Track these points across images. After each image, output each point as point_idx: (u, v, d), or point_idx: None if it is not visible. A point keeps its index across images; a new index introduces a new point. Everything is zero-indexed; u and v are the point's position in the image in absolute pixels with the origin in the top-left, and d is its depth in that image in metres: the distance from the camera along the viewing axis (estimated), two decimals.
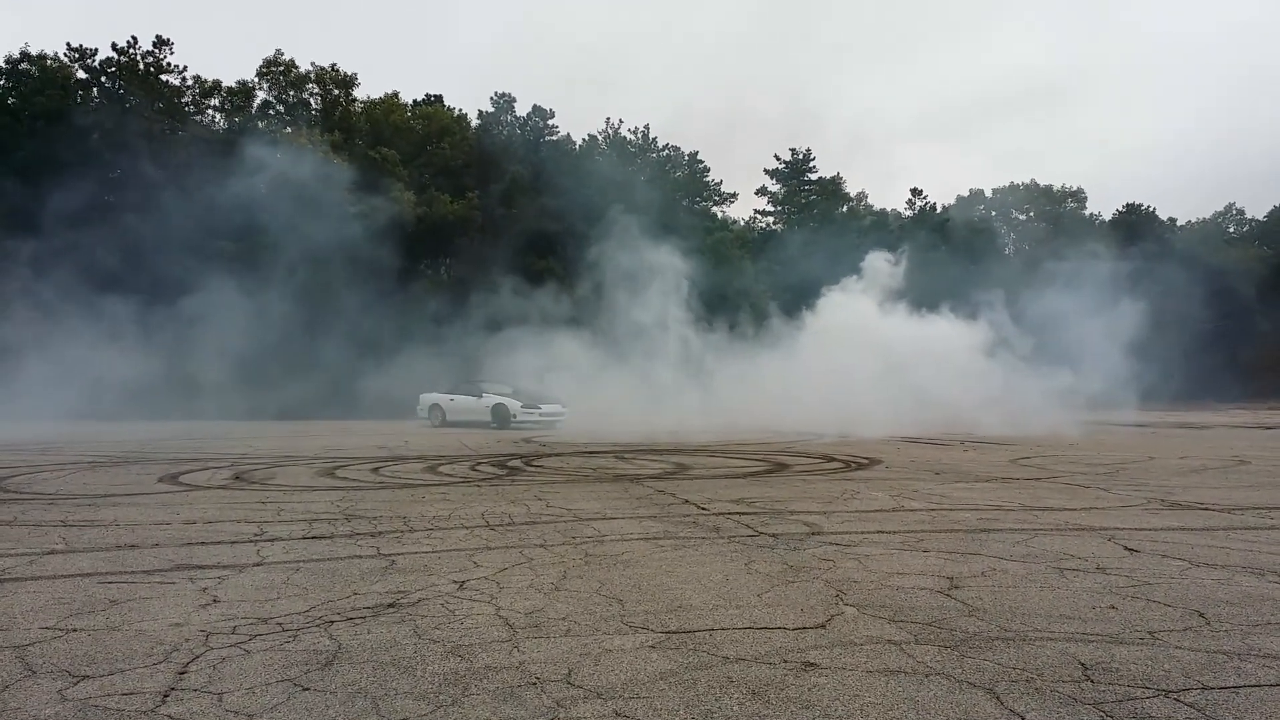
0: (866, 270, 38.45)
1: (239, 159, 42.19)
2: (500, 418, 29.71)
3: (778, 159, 72.15)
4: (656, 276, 38.20)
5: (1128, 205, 79.56)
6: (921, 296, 37.29)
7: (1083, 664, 4.59)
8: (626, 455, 18.46)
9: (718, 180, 67.53)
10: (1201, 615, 5.57)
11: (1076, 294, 40.49)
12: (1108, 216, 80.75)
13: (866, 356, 31.27)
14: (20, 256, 37.61)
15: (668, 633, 5.14)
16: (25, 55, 45.65)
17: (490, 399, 30.33)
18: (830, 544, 8.01)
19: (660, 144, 64.15)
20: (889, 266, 38.45)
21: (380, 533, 8.53)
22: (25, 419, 28.96)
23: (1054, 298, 40.54)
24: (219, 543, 7.99)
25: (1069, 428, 30.03)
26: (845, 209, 70.21)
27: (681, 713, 3.91)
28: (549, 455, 18.43)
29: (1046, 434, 26.98)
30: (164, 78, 47.41)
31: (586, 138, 60.53)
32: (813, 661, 4.62)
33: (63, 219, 38.20)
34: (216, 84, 50.25)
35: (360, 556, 7.35)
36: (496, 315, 39.76)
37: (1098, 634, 5.14)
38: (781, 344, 35.52)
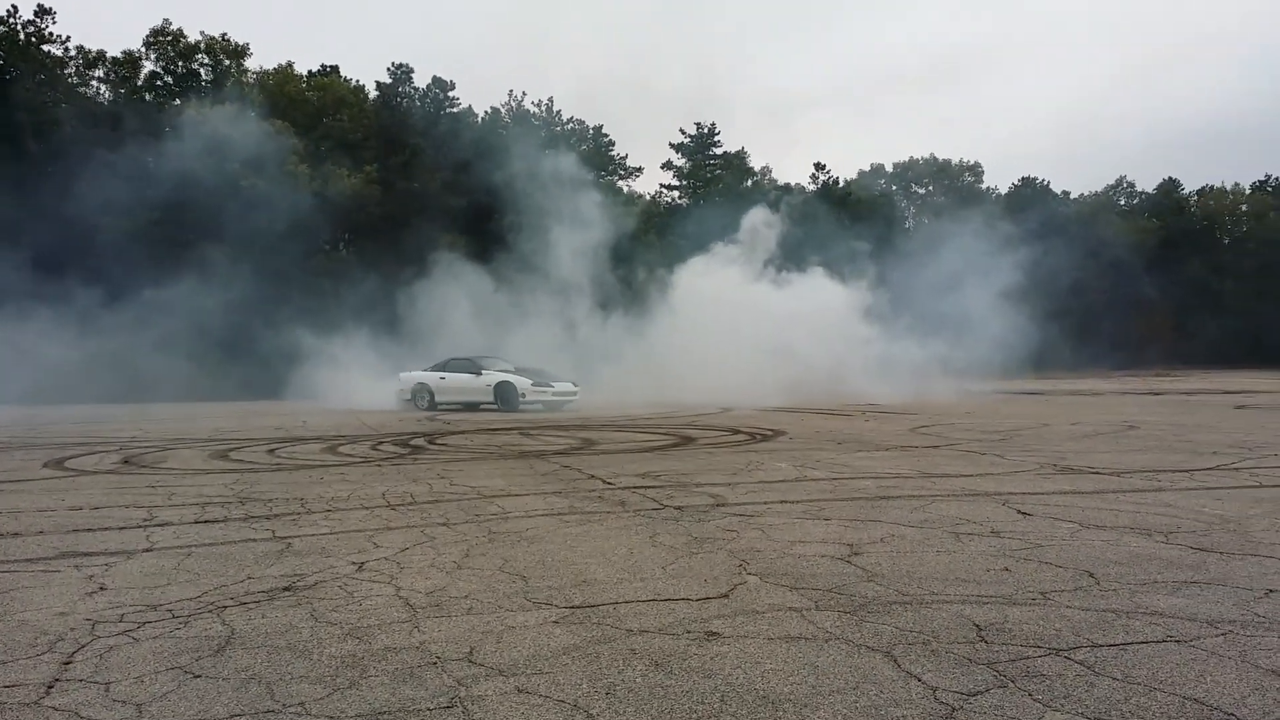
0: (745, 229, 38.79)
1: (126, 131, 40.82)
2: (505, 398, 26.30)
3: (683, 133, 72.42)
4: (562, 250, 38.11)
5: (1023, 178, 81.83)
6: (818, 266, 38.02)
7: (977, 625, 4.68)
8: (531, 431, 18.38)
9: (623, 154, 67.40)
10: (1091, 575, 5.73)
11: (968, 264, 41.58)
12: (1004, 190, 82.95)
13: (745, 324, 31.53)
14: None
15: (571, 608, 5.11)
16: None
17: (493, 376, 26.91)
18: (734, 515, 8.07)
19: (565, 117, 63.73)
20: (766, 228, 38.74)
21: (276, 515, 8.33)
22: None
23: (945, 267, 41.61)
24: (106, 529, 7.72)
25: (962, 396, 30.89)
26: (750, 183, 70.66)
27: (584, 686, 3.88)
28: (453, 433, 18.25)
29: (942, 402, 27.62)
30: (46, 48, 45.40)
31: (489, 110, 59.82)
32: (715, 631, 4.63)
33: None
34: (101, 54, 48.37)
35: (255, 540, 7.16)
36: (401, 290, 39.12)
37: (992, 596, 5.26)
38: (672, 317, 35.42)
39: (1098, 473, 10.91)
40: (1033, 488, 9.66)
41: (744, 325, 31.69)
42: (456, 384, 27.54)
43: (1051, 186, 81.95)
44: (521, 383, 26.30)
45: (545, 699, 3.75)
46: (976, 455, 12.99)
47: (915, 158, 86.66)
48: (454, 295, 37.21)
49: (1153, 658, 4.20)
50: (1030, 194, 78.00)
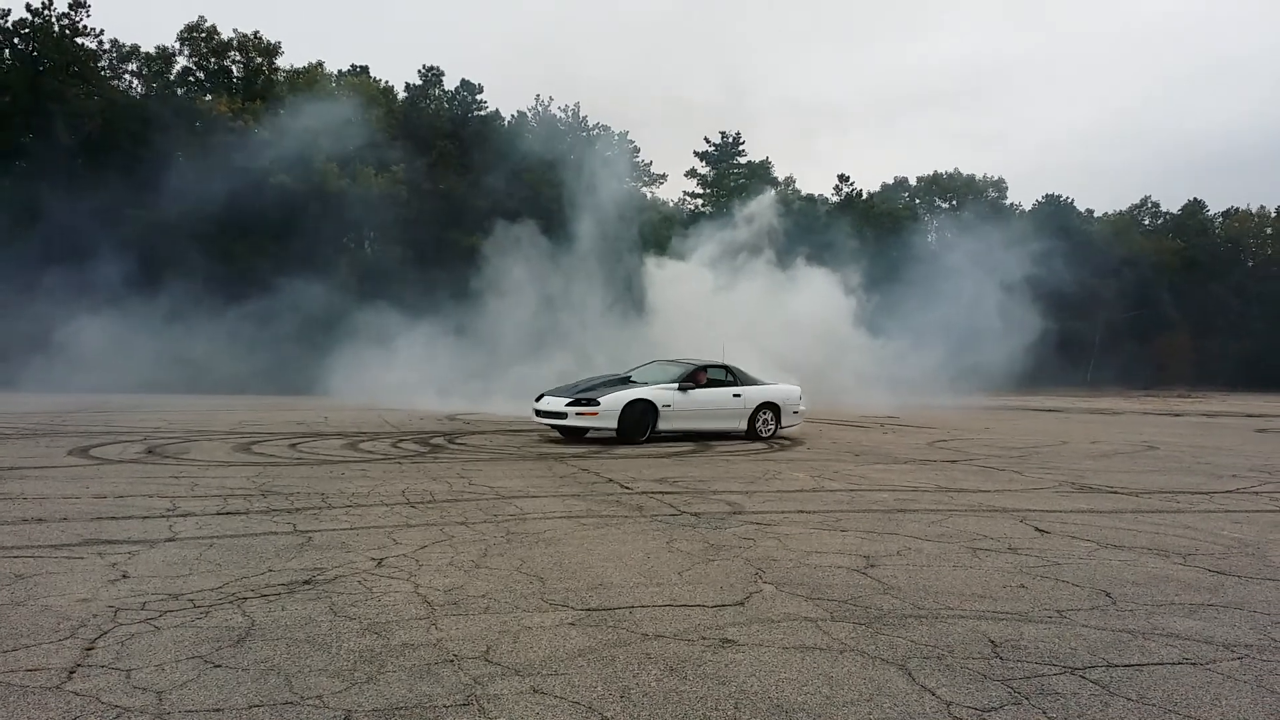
0: (742, 217, 38.36)
1: (157, 126, 41.17)
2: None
3: (708, 141, 72.36)
4: (583, 251, 38.03)
5: (1046, 195, 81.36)
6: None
7: (992, 641, 4.69)
8: (550, 434, 18.39)
9: (647, 161, 67.43)
10: (1108, 595, 5.73)
11: (983, 277, 41.36)
12: (1028, 206, 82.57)
13: (729, 322, 30.77)
14: None
15: (588, 610, 5.14)
16: None
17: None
18: (751, 523, 8.09)
19: (591, 123, 63.78)
20: (765, 214, 38.28)
21: (297, 509, 8.40)
22: None
23: (958, 279, 41.39)
24: (130, 518, 7.80)
25: (978, 410, 30.74)
26: (773, 193, 70.50)
27: (599, 689, 3.92)
28: (473, 433, 18.29)
29: (959, 417, 27.48)
30: (80, 41, 45.75)
31: (515, 114, 59.95)
32: (730, 638, 4.65)
33: None
34: (135, 49, 48.75)
35: (276, 533, 7.23)
36: (427, 287, 39.19)
37: (1008, 612, 5.26)
38: (662, 315, 34.64)
39: (1116, 492, 10.88)
40: (1051, 505, 9.63)
41: (728, 323, 30.86)
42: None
43: (1075, 204, 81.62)
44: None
45: (560, 700, 3.79)
46: (995, 471, 12.95)
47: (940, 172, 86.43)
48: (482, 293, 37.06)
49: (1168, 679, 4.20)
50: (1053, 210, 77.59)
